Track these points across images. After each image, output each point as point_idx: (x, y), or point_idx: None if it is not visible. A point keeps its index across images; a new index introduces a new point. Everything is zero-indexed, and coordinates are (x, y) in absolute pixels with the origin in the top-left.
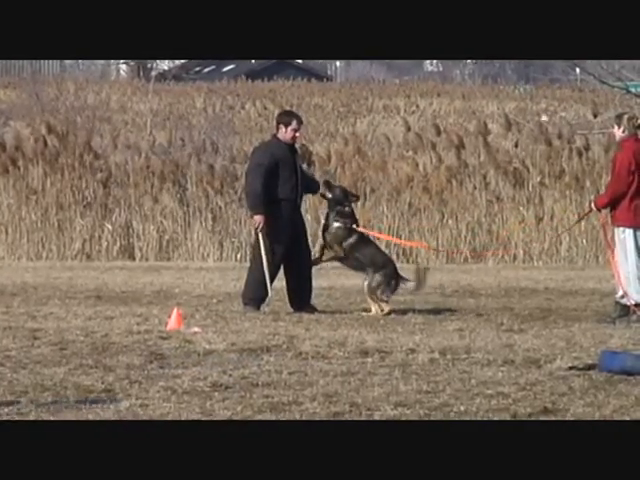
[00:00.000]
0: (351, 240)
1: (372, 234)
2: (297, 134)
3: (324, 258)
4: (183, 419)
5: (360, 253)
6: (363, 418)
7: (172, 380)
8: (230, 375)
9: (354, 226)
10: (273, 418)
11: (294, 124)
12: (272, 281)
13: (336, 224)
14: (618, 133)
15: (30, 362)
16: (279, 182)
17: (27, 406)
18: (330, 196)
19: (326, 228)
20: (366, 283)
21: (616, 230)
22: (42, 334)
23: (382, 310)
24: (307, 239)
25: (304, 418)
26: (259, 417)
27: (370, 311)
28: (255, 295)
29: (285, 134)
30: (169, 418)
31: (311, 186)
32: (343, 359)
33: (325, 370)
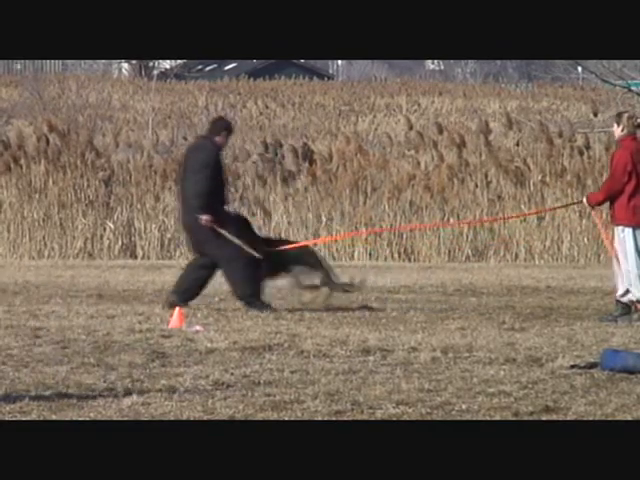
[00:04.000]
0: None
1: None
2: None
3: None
4: (185, 418)
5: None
6: (365, 416)
7: (174, 379)
8: (232, 374)
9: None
10: (275, 417)
11: (228, 132)
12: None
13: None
14: (617, 132)
15: (32, 361)
16: (217, 185)
17: (29, 405)
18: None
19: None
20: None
21: (615, 229)
22: (44, 333)
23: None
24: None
25: (306, 417)
26: (261, 416)
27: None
28: (253, 290)
29: (221, 139)
30: (171, 417)
31: None
32: (345, 357)
33: (327, 369)
